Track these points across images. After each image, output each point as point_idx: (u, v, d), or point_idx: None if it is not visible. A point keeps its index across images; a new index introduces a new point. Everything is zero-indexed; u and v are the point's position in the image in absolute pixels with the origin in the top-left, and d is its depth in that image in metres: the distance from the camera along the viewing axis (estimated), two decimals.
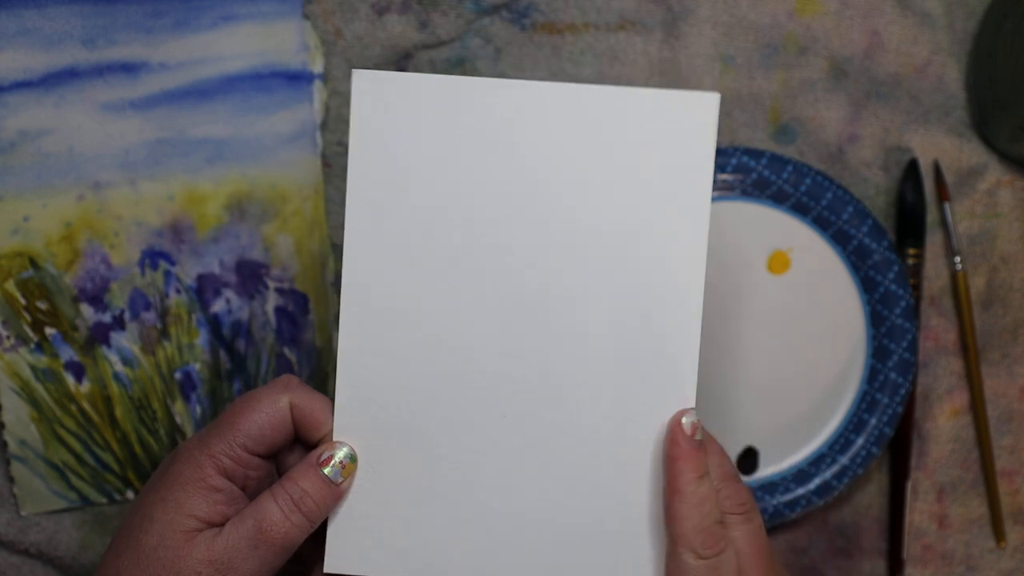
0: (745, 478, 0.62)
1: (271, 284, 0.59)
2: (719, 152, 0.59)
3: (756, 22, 0.60)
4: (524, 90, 0.47)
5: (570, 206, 0.47)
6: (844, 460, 0.61)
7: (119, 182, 0.59)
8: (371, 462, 0.47)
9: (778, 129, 0.60)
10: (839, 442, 0.62)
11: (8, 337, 0.59)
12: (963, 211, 0.61)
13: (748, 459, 0.62)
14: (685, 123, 0.46)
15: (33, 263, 0.58)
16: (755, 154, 0.60)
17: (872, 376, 0.62)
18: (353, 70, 0.47)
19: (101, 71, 0.58)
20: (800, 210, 0.61)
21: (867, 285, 0.61)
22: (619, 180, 0.47)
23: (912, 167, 0.61)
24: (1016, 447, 0.64)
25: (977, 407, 0.63)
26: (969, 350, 0.63)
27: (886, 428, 0.61)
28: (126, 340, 0.59)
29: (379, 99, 0.47)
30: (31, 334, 0.59)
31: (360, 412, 0.47)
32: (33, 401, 0.59)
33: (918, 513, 0.63)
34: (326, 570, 0.47)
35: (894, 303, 0.61)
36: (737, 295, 0.61)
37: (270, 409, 0.46)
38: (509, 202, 0.47)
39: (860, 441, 0.62)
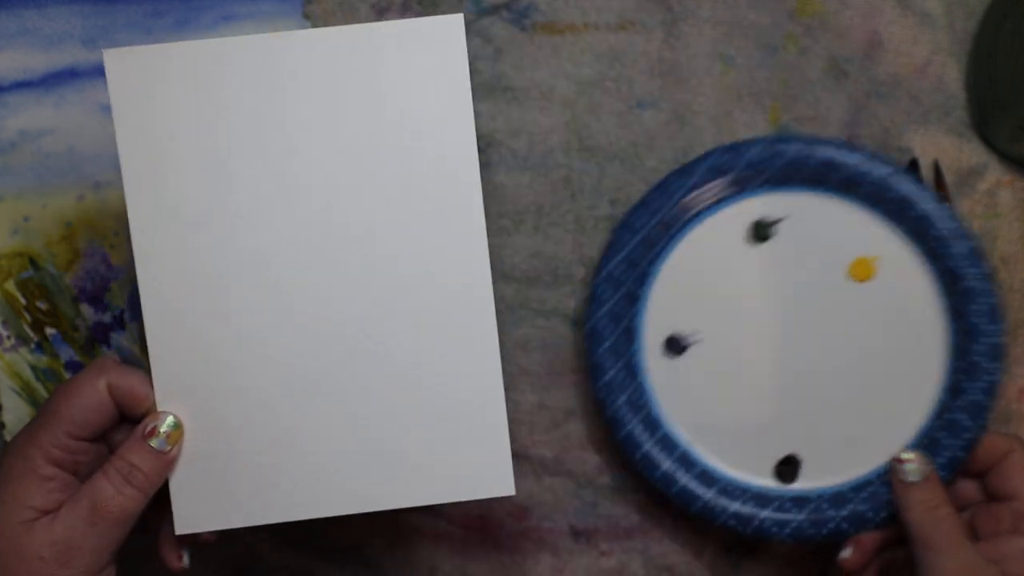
0: (780, 487, 0.59)
1: None
2: (818, 141, 0.57)
3: (756, 22, 0.60)
4: (270, 42, 0.49)
5: (341, 149, 0.49)
6: (886, 493, 0.56)
7: (119, 182, 0.59)
8: (199, 424, 0.50)
9: (778, 129, 0.60)
10: (888, 474, 0.57)
11: (8, 337, 0.59)
12: (963, 211, 0.61)
13: (788, 467, 0.58)
14: (435, 50, 0.49)
15: (33, 263, 0.58)
16: (851, 148, 0.57)
17: (940, 412, 0.57)
18: (104, 51, 0.48)
19: (101, 71, 0.58)
20: (894, 217, 0.57)
21: (954, 313, 0.57)
22: (385, 117, 0.49)
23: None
24: None
25: None
26: None
27: (943, 472, 0.56)
28: (126, 340, 0.59)
29: (133, 75, 0.49)
30: (31, 334, 0.59)
31: (177, 380, 0.49)
32: (33, 401, 0.59)
33: None
34: (177, 532, 0.50)
35: (980, 338, 0.56)
36: (810, 294, 0.58)
37: (90, 393, 0.48)
38: (279, 156, 0.49)
39: None
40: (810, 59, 0.60)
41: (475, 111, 0.60)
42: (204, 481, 0.50)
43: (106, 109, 0.58)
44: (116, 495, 0.47)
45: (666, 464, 0.58)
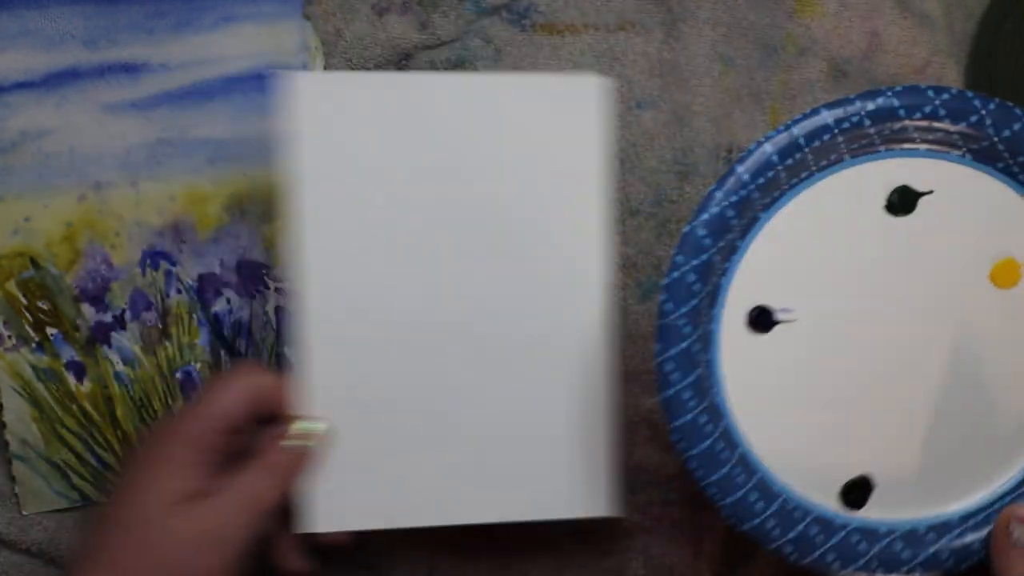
0: (844, 512, 0.50)
1: (272, 284, 0.60)
2: (917, 90, 0.48)
3: (756, 23, 0.60)
4: (435, 82, 0.53)
5: (480, 192, 0.53)
6: (973, 541, 0.49)
7: (120, 182, 0.59)
8: (339, 428, 0.52)
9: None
10: (977, 516, 0.49)
11: (9, 337, 0.59)
12: None
13: (857, 492, 0.50)
14: (572, 108, 0.52)
15: (34, 263, 0.59)
16: (983, 100, 0.48)
17: None
18: (293, 73, 0.52)
19: (102, 71, 0.58)
20: None
21: None
22: (519, 164, 0.52)
23: None
24: None
25: None
26: None
27: None
28: (127, 340, 0.59)
29: (315, 99, 0.52)
30: (32, 334, 0.59)
31: (326, 386, 0.52)
32: (34, 401, 0.59)
33: None
34: (309, 531, 0.52)
35: None
36: (936, 288, 0.50)
37: (236, 391, 0.50)
38: (430, 190, 0.52)
39: None
40: (810, 60, 0.60)
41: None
42: (340, 482, 0.52)
43: (107, 109, 0.58)
44: (268, 489, 0.49)
45: (725, 468, 0.48)
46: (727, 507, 0.48)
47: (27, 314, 0.59)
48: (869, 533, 0.49)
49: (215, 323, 0.60)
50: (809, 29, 0.60)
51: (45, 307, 0.59)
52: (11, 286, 0.59)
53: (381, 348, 0.52)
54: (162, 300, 0.59)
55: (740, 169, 0.47)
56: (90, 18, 0.58)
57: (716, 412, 0.48)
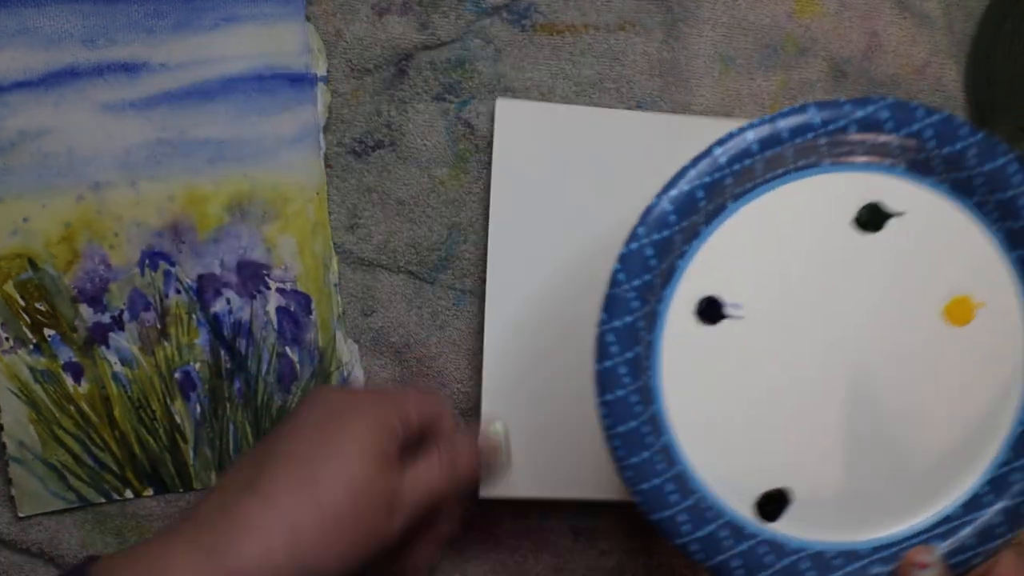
0: (757, 521, 0.48)
1: (272, 284, 0.59)
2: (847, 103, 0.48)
3: (756, 23, 0.60)
4: (635, 119, 0.58)
5: None
6: (878, 574, 0.47)
7: (119, 182, 0.59)
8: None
9: None
10: (887, 550, 0.48)
11: (7, 339, 0.58)
12: None
13: (773, 503, 0.48)
14: None
15: (32, 264, 0.58)
16: (971, 129, 0.46)
17: (972, 502, 0.48)
18: (497, 99, 0.58)
19: (101, 71, 0.58)
20: (1007, 234, 0.47)
21: None
22: None
23: None
24: None
25: None
26: None
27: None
28: (125, 340, 0.59)
29: (516, 124, 0.58)
30: (30, 335, 0.59)
31: (503, 393, 0.58)
32: (31, 402, 0.59)
33: None
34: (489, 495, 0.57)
35: None
36: (886, 309, 0.48)
37: (424, 403, 0.52)
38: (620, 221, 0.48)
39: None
40: (809, 60, 0.61)
41: (475, 111, 0.60)
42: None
43: (106, 108, 0.58)
44: (441, 479, 0.50)
45: (646, 453, 0.47)
46: (640, 493, 0.47)
47: (25, 315, 0.59)
48: (778, 547, 0.47)
49: (214, 323, 0.59)
50: (809, 29, 0.60)
51: (43, 308, 0.59)
52: (9, 288, 0.58)
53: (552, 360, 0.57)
54: (161, 300, 0.59)
55: (718, 151, 0.46)
56: (89, 17, 0.58)
57: (649, 394, 0.47)
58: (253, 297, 0.59)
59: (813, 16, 0.60)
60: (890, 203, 0.48)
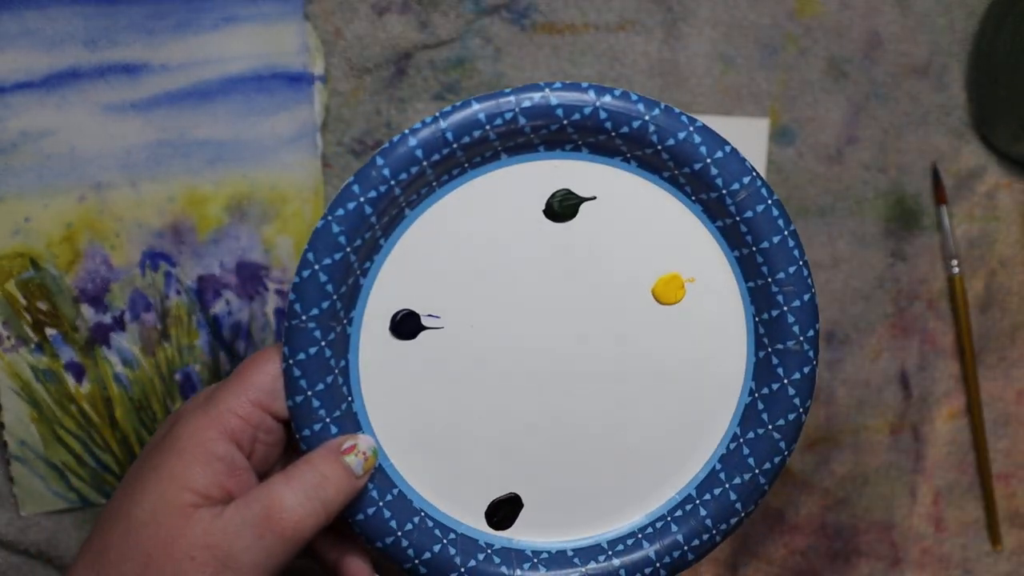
0: (490, 532, 0.47)
1: (271, 286, 0.60)
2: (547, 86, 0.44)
3: (756, 22, 0.60)
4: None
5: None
6: (619, 567, 0.46)
7: (120, 183, 0.59)
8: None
9: (777, 130, 0.61)
10: (626, 541, 0.47)
11: (8, 337, 0.59)
12: (962, 213, 0.61)
13: (504, 510, 0.47)
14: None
15: (34, 264, 0.58)
16: (648, 104, 0.44)
17: (683, 507, 0.47)
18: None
19: (103, 72, 0.58)
20: (706, 207, 0.45)
21: (760, 343, 0.46)
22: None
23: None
24: (1012, 450, 0.64)
25: (974, 410, 0.63)
26: (966, 353, 0.63)
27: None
28: (126, 341, 0.59)
29: None
30: (31, 335, 0.59)
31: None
32: (33, 401, 0.59)
33: (916, 516, 0.63)
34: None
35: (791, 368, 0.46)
36: (591, 299, 0.46)
37: (277, 364, 0.43)
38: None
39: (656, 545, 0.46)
40: (810, 60, 0.60)
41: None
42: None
43: (107, 109, 0.58)
44: (297, 507, 0.41)
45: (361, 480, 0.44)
46: (357, 524, 0.44)
47: (26, 315, 0.59)
48: (514, 555, 0.46)
49: (214, 325, 0.59)
50: (809, 29, 0.60)
51: (44, 308, 0.59)
52: (11, 286, 0.58)
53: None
54: (162, 301, 0.59)
55: (380, 162, 0.43)
56: (90, 18, 0.58)
57: (352, 422, 0.45)
58: (252, 298, 0.59)
59: (814, 15, 0.60)
60: (580, 189, 0.45)
